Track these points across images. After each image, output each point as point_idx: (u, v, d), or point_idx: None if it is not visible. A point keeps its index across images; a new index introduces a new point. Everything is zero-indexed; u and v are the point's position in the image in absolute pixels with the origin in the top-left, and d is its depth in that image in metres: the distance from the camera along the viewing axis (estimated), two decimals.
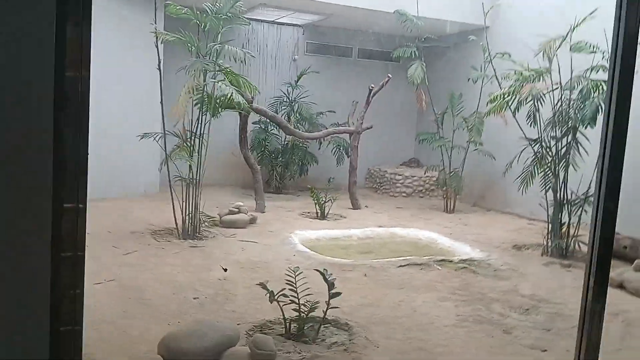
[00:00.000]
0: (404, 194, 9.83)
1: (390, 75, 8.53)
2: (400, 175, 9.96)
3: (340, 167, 9.46)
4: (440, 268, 5.28)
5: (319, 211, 7.57)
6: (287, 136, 9.24)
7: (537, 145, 6.35)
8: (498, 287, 4.89)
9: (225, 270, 4.86)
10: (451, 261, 5.50)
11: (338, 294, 3.44)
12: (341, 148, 9.59)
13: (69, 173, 1.52)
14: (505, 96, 6.42)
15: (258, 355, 2.91)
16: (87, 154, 1.53)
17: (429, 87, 8.93)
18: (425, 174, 9.73)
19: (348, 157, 9.11)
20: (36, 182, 1.52)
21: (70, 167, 1.51)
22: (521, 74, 6.31)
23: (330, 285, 3.43)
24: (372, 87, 8.47)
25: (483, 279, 5.10)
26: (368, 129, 8.71)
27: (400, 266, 5.23)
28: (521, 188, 6.38)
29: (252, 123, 8.95)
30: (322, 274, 3.47)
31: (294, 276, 3.45)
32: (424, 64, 8.78)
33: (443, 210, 8.61)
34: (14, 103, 1.47)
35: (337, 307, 3.53)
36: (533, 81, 6.22)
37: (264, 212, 7.50)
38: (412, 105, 10.20)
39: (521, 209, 8.21)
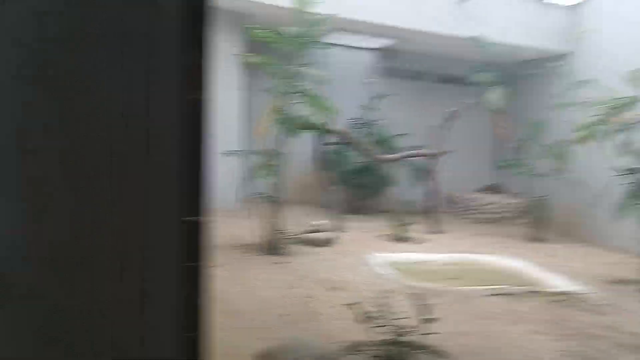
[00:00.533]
0: (483, 220, 9.50)
1: (468, 101, 8.34)
2: (480, 201, 9.65)
3: (416, 191, 9.30)
4: (533, 299, 5.00)
5: (397, 233, 7.44)
6: (364, 157, 9.21)
7: (634, 175, 5.96)
8: (597, 322, 4.56)
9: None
10: (543, 292, 5.21)
11: (433, 319, 3.32)
12: (418, 171, 9.43)
13: (191, 189, 1.58)
14: (595, 124, 6.10)
15: None
16: (206, 170, 1.59)
17: (508, 113, 8.65)
18: (509, 201, 9.36)
19: (425, 180, 8.94)
20: (165, 197, 1.59)
21: (192, 183, 1.57)
22: (610, 101, 5.98)
23: (424, 310, 3.31)
24: (450, 111, 8.31)
25: (579, 313, 4.78)
26: (446, 153, 8.52)
27: (491, 295, 5.00)
28: (618, 219, 5.98)
29: (329, 144, 9.00)
30: (416, 298, 3.37)
31: (383, 298, 3.37)
32: (504, 90, 8.52)
33: (528, 239, 8.22)
34: (145, 122, 1.55)
35: (432, 333, 3.41)
36: (623, 109, 5.88)
37: (342, 232, 7.47)
38: (489, 131, 9.92)
39: (613, 241, 7.71)
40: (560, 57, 8.59)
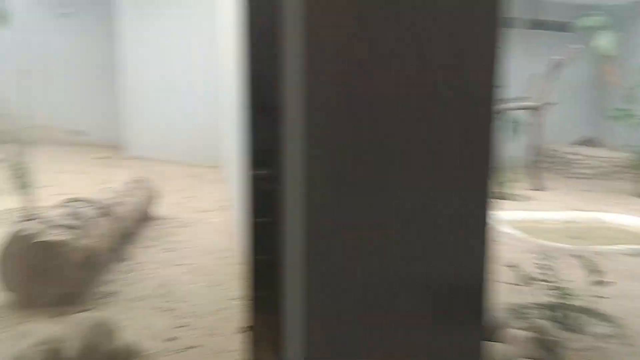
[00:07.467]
0: (582, 175, 9.13)
1: (574, 48, 7.83)
2: (579, 154, 9.26)
3: (516, 145, 8.93)
4: None
5: (502, 191, 7.24)
6: None
7: None
8: None
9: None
10: None
11: (604, 282, 3.22)
12: (517, 124, 9.05)
13: None
14: None
15: (545, 342, 2.81)
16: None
17: (618, 59, 8.12)
18: (609, 155, 8.94)
19: (525, 134, 8.58)
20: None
21: None
22: None
23: (594, 272, 3.22)
24: (555, 59, 7.86)
25: None
26: (550, 105, 8.14)
27: (630, 255, 4.82)
28: None
29: None
30: (583, 259, 3.28)
31: (542, 259, 3.32)
32: (614, 34, 7.96)
33: (636, 194, 7.85)
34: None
35: (602, 297, 3.31)
36: None
37: None
38: (593, 79, 9.39)
39: None
40: None
